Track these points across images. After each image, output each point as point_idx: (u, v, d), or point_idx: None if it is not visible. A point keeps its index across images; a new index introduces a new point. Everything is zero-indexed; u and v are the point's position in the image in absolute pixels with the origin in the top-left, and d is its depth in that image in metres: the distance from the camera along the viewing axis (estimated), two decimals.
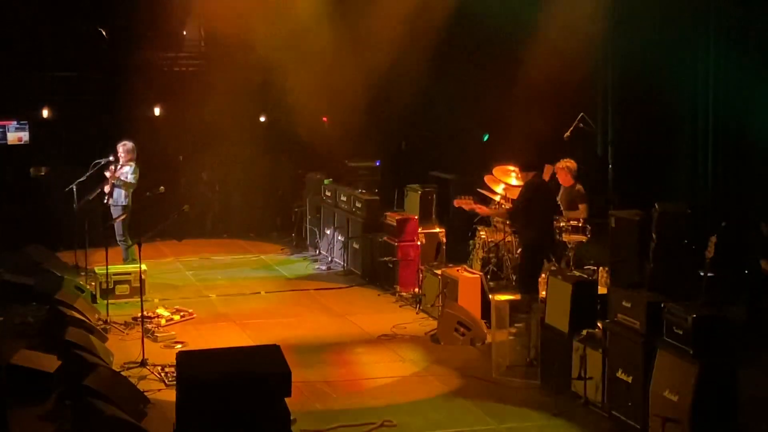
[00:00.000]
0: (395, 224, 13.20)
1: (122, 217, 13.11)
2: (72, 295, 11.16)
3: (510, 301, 10.30)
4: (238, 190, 17.75)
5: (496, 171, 12.95)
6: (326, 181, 15.64)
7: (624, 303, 8.34)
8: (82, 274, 12.71)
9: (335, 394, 9.25)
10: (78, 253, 13.03)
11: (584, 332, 8.84)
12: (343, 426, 8.34)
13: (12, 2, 15.79)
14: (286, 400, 6.31)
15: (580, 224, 11.55)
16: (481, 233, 12.83)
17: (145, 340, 10.15)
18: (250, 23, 15.25)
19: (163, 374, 9.47)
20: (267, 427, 6.21)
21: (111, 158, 13.18)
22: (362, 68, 15.38)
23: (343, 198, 14.82)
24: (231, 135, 16.48)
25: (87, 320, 10.60)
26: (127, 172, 13.23)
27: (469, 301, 11.03)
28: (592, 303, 8.98)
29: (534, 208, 11.00)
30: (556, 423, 8.46)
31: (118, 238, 13.38)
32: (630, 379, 8.14)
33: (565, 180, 12.04)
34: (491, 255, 12.60)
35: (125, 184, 13.17)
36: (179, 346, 10.48)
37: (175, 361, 6.78)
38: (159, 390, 9.12)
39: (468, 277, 11.29)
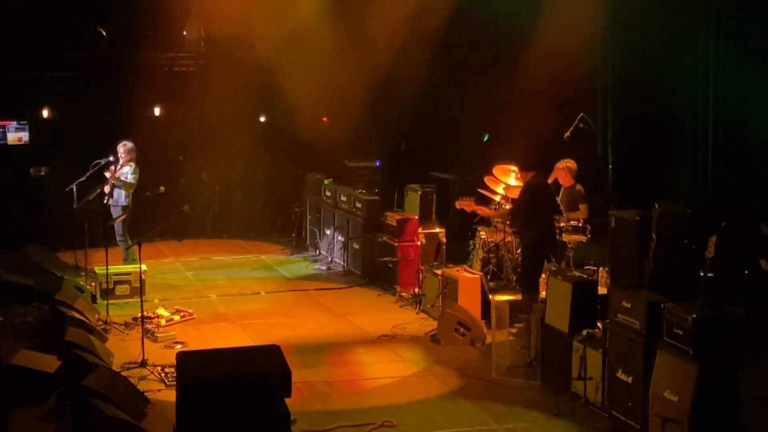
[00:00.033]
0: (395, 224, 13.21)
1: (122, 218, 13.11)
2: (72, 295, 11.16)
3: (510, 301, 10.31)
4: (238, 190, 17.75)
5: (496, 170, 12.95)
6: (326, 181, 15.64)
7: (624, 303, 8.34)
8: (82, 274, 12.71)
9: (335, 394, 9.25)
10: (78, 253, 13.04)
11: (584, 332, 8.83)
12: (343, 426, 8.34)
13: (12, 2, 15.79)
14: (286, 400, 6.31)
15: (580, 224, 11.55)
16: (481, 233, 12.83)
17: (145, 340, 10.15)
18: (250, 23, 15.26)
19: (163, 374, 9.47)
20: (267, 427, 6.21)
21: (111, 158, 13.18)
22: (362, 68, 15.38)
23: (343, 198, 14.82)
24: (231, 135, 16.49)
25: (87, 320, 10.60)
26: (127, 172, 13.22)
27: (469, 301, 11.03)
28: (592, 303, 8.98)
29: (535, 208, 11.00)
30: (556, 423, 8.46)
31: (118, 239, 13.38)
32: (630, 380, 8.14)
33: (565, 180, 12.04)
34: (491, 255, 12.61)
35: (125, 185, 13.17)
36: (179, 346, 10.48)
37: (175, 362, 6.78)
38: (159, 390, 9.12)
39: (468, 277, 11.30)
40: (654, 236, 8.34)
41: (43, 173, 16.10)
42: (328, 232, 15.22)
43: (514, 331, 10.15)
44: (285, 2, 15.64)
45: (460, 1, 15.02)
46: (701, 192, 12.32)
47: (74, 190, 12.79)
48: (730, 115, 11.97)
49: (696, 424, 7.36)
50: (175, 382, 7.65)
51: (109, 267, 11.98)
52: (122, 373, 9.22)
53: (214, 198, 17.66)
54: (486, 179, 12.97)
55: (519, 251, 11.95)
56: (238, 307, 12.32)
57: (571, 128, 12.44)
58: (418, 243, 13.18)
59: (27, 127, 16.25)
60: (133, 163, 13.29)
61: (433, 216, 14.04)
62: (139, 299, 10.75)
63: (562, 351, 8.98)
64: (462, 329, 10.65)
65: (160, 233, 13.34)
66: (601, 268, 10.76)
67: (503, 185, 12.75)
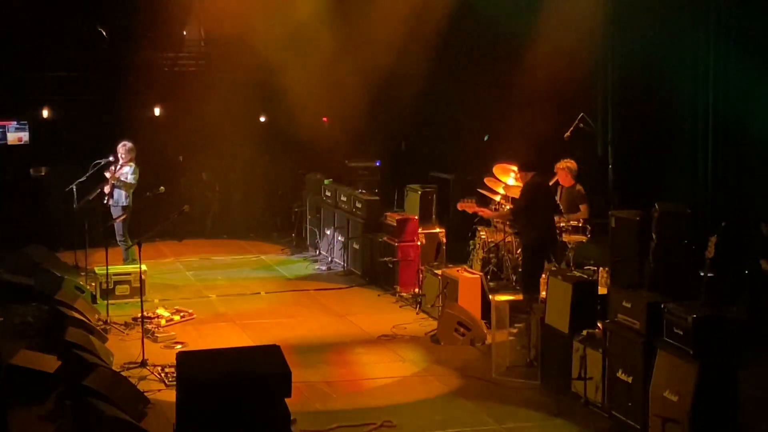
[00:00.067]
0: (395, 224, 13.21)
1: (122, 218, 13.11)
2: (72, 296, 11.16)
3: (510, 301, 10.30)
4: (238, 191, 17.75)
5: (496, 169, 12.95)
6: (326, 181, 15.63)
7: (624, 303, 8.33)
8: (82, 274, 12.71)
9: (335, 394, 9.25)
10: (78, 253, 13.04)
11: (584, 332, 8.83)
12: (343, 426, 8.34)
13: (12, 2, 15.79)
14: (286, 400, 6.31)
15: (580, 224, 11.56)
16: (481, 233, 12.83)
17: (145, 340, 10.15)
18: (250, 23, 15.26)
19: (163, 374, 9.47)
20: (267, 427, 6.21)
21: (111, 158, 13.18)
22: (362, 68, 15.38)
23: (343, 198, 14.82)
24: (231, 135, 16.49)
25: (87, 320, 10.60)
26: (126, 172, 13.22)
27: (469, 301, 11.03)
28: (592, 303, 8.98)
29: (535, 208, 11.00)
30: (556, 423, 8.46)
31: (118, 239, 13.38)
32: (630, 380, 8.14)
33: (565, 180, 12.05)
34: (491, 255, 12.61)
35: (125, 185, 13.16)
36: (179, 346, 10.48)
37: (175, 362, 6.78)
38: (159, 390, 9.12)
39: (468, 277, 11.29)
40: (654, 236, 8.34)
41: (43, 173, 16.10)
42: (328, 232, 15.22)
43: (514, 331, 10.15)
44: (285, 2, 15.64)
45: (460, 1, 15.02)
46: (701, 192, 12.32)
47: (74, 190, 12.79)
48: (730, 115, 11.98)
49: (696, 424, 7.36)
50: (175, 382, 7.65)
51: (109, 267, 11.98)
52: (122, 373, 9.22)
53: (214, 198, 17.66)
54: (486, 180, 12.96)
55: (519, 251, 11.96)
56: (238, 307, 12.32)
57: (571, 128, 12.45)
58: (418, 243, 13.18)
59: (27, 127, 16.24)
60: (132, 163, 13.29)
61: (433, 216, 14.04)
62: (139, 299, 10.75)
63: (562, 351, 8.98)
64: (462, 329, 10.65)
65: (160, 233, 13.34)
66: (601, 268, 10.76)
67: (503, 185, 12.75)
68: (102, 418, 7.42)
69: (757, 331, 9.83)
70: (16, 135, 16.22)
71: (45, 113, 16.42)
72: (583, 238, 11.52)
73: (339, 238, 14.81)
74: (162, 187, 13.26)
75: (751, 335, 9.66)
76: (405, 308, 12.30)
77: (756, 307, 10.13)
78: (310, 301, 12.77)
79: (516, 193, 11.95)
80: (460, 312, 10.79)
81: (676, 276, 8.32)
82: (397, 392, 9.30)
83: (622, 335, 8.29)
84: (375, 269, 13.55)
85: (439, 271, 11.73)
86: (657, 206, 8.44)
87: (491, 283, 11.91)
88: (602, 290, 9.16)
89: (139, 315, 10.51)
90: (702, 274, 8.18)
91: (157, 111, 17.10)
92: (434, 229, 13.69)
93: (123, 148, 13.28)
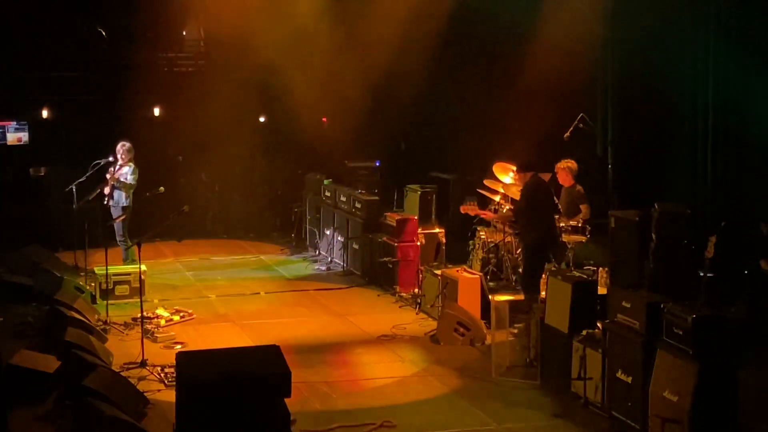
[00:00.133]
0: (395, 224, 13.20)
1: (122, 218, 13.11)
2: (72, 296, 11.16)
3: (510, 301, 10.30)
4: (237, 191, 17.74)
5: (496, 167, 12.95)
6: (326, 182, 15.63)
7: (624, 303, 8.33)
8: (82, 274, 12.71)
9: (335, 394, 9.24)
10: (78, 254, 13.03)
11: (584, 332, 8.83)
12: (343, 426, 8.34)
13: (12, 2, 15.79)
14: (286, 400, 6.31)
15: (579, 224, 11.55)
16: (481, 233, 12.83)
17: (145, 340, 10.14)
18: (250, 23, 15.26)
19: (162, 375, 9.47)
20: (267, 427, 6.21)
21: (110, 159, 13.18)
22: (362, 68, 15.38)
23: (343, 198, 14.81)
24: (231, 135, 16.48)
25: (87, 321, 10.60)
26: (126, 172, 13.22)
27: (468, 301, 11.02)
28: (592, 303, 8.98)
29: (536, 209, 11.00)
30: (556, 423, 8.46)
31: (118, 239, 13.38)
32: (630, 380, 8.13)
33: (565, 180, 12.04)
34: (491, 255, 12.60)
35: (124, 186, 13.16)
36: (179, 346, 10.48)
37: (174, 362, 6.79)
38: (159, 390, 9.11)
39: (468, 277, 11.29)
40: (654, 236, 8.34)
41: (42, 173, 16.10)
42: (327, 233, 15.22)
43: (514, 331, 10.15)
44: (285, 2, 15.65)
45: (459, 1, 15.02)
46: (701, 192, 12.32)
47: (74, 190, 12.79)
48: (730, 115, 11.98)
49: (696, 424, 7.36)
50: (174, 382, 7.65)
51: (108, 267, 11.98)
52: (122, 374, 9.22)
53: (214, 198, 17.66)
54: (486, 182, 12.96)
55: (519, 251, 11.96)
56: (238, 308, 12.32)
57: (571, 128, 12.45)
58: (418, 243, 13.17)
59: (27, 127, 16.24)
60: (132, 164, 13.29)
61: (433, 216, 14.04)
62: (139, 299, 10.75)
63: (562, 351, 8.98)
64: (462, 329, 10.65)
65: (160, 233, 13.32)
66: (601, 268, 10.76)
67: (502, 185, 12.74)
68: (102, 418, 7.42)
69: (757, 331, 9.82)
70: (16, 135, 16.22)
71: (45, 113, 16.42)
72: (583, 238, 11.52)
73: (339, 238, 14.80)
74: (162, 188, 13.25)
75: (751, 335, 9.65)
76: (405, 308, 12.29)
77: (756, 307, 10.12)
78: (309, 302, 12.76)
79: (514, 193, 11.95)
80: (460, 312, 10.78)
81: (675, 276, 8.31)
82: (397, 392, 9.30)
83: (621, 335, 8.28)
84: (374, 269, 13.54)
85: (438, 272, 11.73)
86: (657, 206, 8.44)
87: (491, 283, 11.91)
88: (602, 290, 9.17)
89: (139, 315, 10.50)
90: (702, 274, 8.18)
91: (156, 111, 17.10)
92: (434, 229, 13.70)
93: (122, 148, 13.27)
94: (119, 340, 10.77)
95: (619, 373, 8.26)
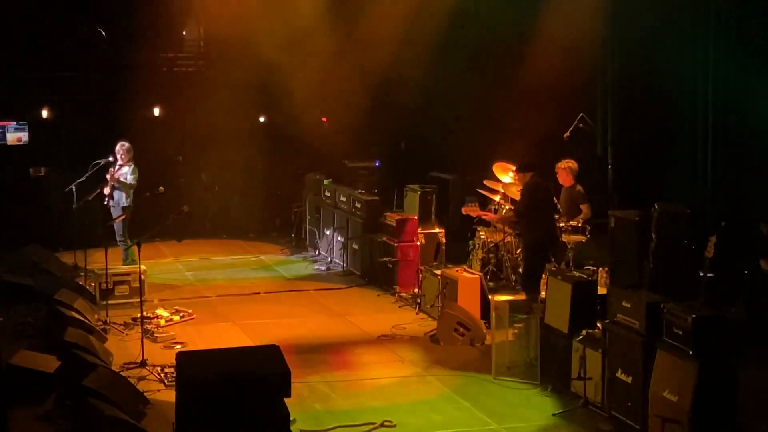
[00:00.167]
0: (395, 224, 13.20)
1: (122, 218, 13.10)
2: (71, 296, 11.15)
3: (510, 301, 10.29)
4: (237, 191, 17.74)
5: (495, 167, 12.94)
6: (326, 182, 15.63)
7: (624, 303, 8.33)
8: (82, 274, 12.71)
9: (335, 394, 9.24)
10: (78, 253, 13.03)
11: (584, 332, 8.84)
12: (343, 426, 8.34)
13: (12, 2, 15.79)
14: (286, 400, 6.31)
15: (579, 224, 11.55)
16: (481, 233, 12.83)
17: (145, 340, 10.14)
18: (250, 23, 15.26)
19: (162, 375, 9.46)
20: (267, 427, 6.21)
21: (110, 159, 13.19)
22: (362, 68, 15.38)
23: (343, 198, 14.81)
24: (231, 135, 16.49)
25: (86, 321, 10.60)
26: (126, 173, 13.22)
27: (468, 301, 11.02)
28: (592, 303, 8.98)
29: (536, 209, 11.00)
30: (556, 423, 8.46)
31: (118, 239, 13.38)
32: (630, 380, 8.13)
33: (565, 180, 12.02)
34: (491, 255, 12.60)
35: (124, 186, 13.15)
36: (179, 346, 10.47)
37: (174, 362, 6.78)
38: (159, 390, 9.11)
39: (467, 277, 11.29)
40: (654, 236, 8.33)
41: (42, 173, 16.10)
42: (327, 233, 15.22)
43: (514, 331, 10.14)
44: (285, 2, 15.65)
45: (460, 1, 15.02)
46: (701, 192, 12.32)
47: (74, 190, 12.79)
48: (730, 115, 11.98)
49: (696, 424, 7.36)
50: (174, 382, 7.65)
51: (108, 267, 11.98)
52: (122, 374, 9.22)
53: (214, 198, 17.65)
54: (486, 182, 12.96)
55: (519, 251, 11.95)
56: (238, 308, 12.31)
57: (571, 128, 12.45)
58: (418, 243, 13.18)
59: (27, 127, 16.25)
60: (131, 164, 13.28)
61: (433, 216, 14.03)
62: (139, 299, 10.75)
63: (562, 351, 8.97)
64: (462, 329, 10.65)
65: (160, 234, 13.32)
66: (601, 268, 10.75)
67: (502, 185, 12.74)
68: (102, 418, 7.42)
69: (757, 331, 9.82)
70: (16, 135, 16.22)
71: (44, 113, 16.42)
72: (583, 238, 11.51)
73: (338, 238, 14.80)
74: (161, 188, 13.25)
75: (751, 335, 9.64)
76: (404, 308, 12.29)
77: (756, 307, 10.12)
78: (309, 302, 12.76)
79: (514, 193, 11.94)
80: (460, 312, 10.78)
81: (675, 276, 8.30)
82: (396, 392, 9.30)
83: (621, 335, 8.29)
84: (374, 269, 13.54)
85: (438, 271, 11.72)
86: (657, 206, 8.43)
87: (491, 283, 11.91)
88: (602, 290, 9.16)
89: (139, 315, 10.50)
90: (702, 274, 8.18)
91: (156, 111, 17.10)
92: (434, 229, 13.69)
93: (122, 148, 13.28)
94: (119, 340, 10.77)
95: (619, 373, 8.26)
